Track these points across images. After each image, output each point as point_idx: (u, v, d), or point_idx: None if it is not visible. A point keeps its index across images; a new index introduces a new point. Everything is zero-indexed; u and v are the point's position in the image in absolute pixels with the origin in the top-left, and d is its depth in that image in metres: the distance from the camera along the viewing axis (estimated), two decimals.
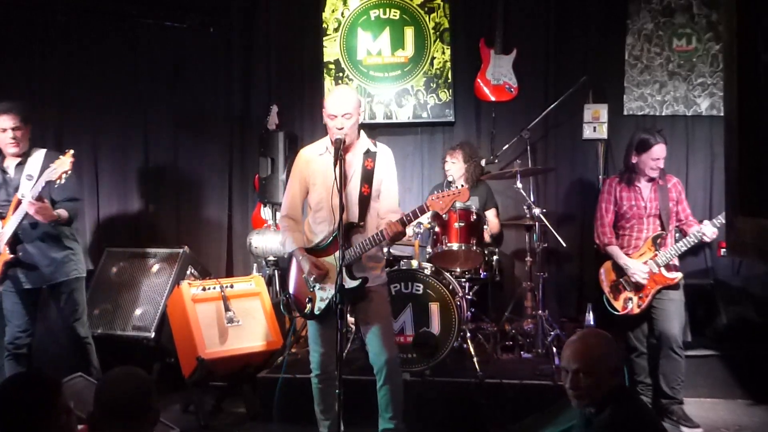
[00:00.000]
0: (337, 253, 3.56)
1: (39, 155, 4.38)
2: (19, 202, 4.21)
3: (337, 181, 3.46)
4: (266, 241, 5.56)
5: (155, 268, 5.32)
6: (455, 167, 5.29)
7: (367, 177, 3.66)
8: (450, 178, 5.30)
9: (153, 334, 5.00)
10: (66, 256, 4.39)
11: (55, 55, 6.04)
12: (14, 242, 4.25)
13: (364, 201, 3.66)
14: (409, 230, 4.70)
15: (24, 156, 4.37)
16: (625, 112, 5.67)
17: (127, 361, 4.89)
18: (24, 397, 2.26)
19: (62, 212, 4.25)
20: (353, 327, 4.63)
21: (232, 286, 4.93)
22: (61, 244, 4.38)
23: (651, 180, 4.42)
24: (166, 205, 6.32)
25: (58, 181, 4.06)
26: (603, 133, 5.66)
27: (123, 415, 2.34)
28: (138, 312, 5.14)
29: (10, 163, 4.39)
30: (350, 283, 3.52)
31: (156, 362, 5.07)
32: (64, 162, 4.04)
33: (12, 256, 4.24)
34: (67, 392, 2.53)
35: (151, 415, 2.42)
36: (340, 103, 3.58)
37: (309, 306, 3.68)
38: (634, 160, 4.41)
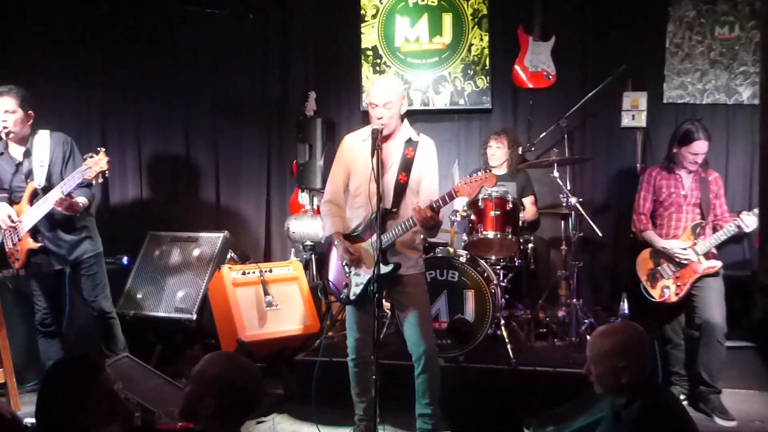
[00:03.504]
0: (370, 240, 3.63)
1: (43, 138, 4.30)
2: (35, 191, 4.22)
3: (375, 170, 3.51)
4: (304, 226, 5.64)
5: (197, 251, 5.42)
6: (499, 152, 5.31)
7: (406, 166, 3.69)
8: (493, 163, 5.31)
9: (195, 316, 5.12)
10: (80, 236, 4.41)
11: (99, 42, 6.19)
12: (34, 231, 4.28)
13: (400, 189, 3.68)
14: (446, 220, 4.72)
15: (26, 142, 4.28)
16: (665, 101, 5.61)
17: (169, 342, 5.15)
18: (63, 382, 2.29)
19: (83, 201, 4.24)
20: (389, 312, 4.70)
21: (270, 271, 5.06)
22: (73, 225, 4.38)
23: (692, 171, 4.40)
24: (206, 189, 6.44)
25: (95, 182, 4.05)
26: (642, 121, 5.62)
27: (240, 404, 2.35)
28: (180, 294, 5.25)
29: (16, 151, 4.31)
30: (383, 269, 3.54)
31: (197, 343, 5.23)
32: (101, 162, 3.95)
33: (38, 245, 4.29)
34: (113, 373, 2.58)
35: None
36: (381, 92, 3.60)
37: (345, 291, 3.76)
38: (675, 150, 4.40)
